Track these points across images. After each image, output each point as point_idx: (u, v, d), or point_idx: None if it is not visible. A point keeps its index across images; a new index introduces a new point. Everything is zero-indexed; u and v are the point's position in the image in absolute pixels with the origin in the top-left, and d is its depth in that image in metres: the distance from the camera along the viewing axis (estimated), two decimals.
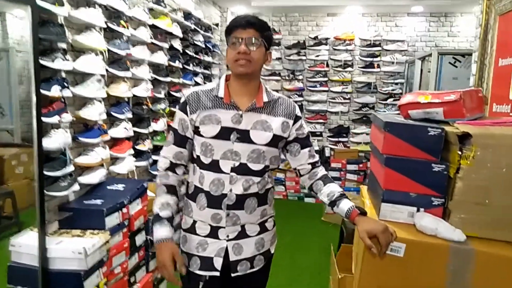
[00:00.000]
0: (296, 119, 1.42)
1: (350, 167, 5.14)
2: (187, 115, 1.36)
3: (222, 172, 1.33)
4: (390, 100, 5.31)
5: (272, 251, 1.50)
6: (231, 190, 1.33)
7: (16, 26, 3.21)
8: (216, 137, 1.32)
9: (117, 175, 2.72)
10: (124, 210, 2.28)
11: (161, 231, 1.33)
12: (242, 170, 1.33)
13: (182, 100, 1.39)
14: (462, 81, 4.00)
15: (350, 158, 5.19)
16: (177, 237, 1.43)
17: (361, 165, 5.12)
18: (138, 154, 2.96)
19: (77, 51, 2.28)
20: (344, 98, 5.48)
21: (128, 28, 2.68)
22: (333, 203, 1.37)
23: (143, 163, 3.00)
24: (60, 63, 2.01)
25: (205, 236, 1.37)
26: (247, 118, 1.34)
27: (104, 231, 2.10)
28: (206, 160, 1.35)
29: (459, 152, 1.33)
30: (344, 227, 3.05)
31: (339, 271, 2.13)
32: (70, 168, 2.11)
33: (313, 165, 1.46)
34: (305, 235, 4.02)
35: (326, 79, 5.48)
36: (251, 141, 1.33)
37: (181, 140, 1.39)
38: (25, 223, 2.99)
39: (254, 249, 1.41)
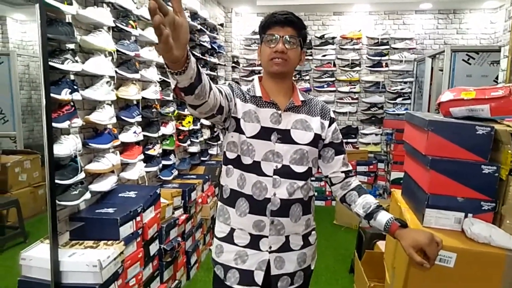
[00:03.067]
0: (332, 121, 1.34)
1: (360, 168, 5.03)
2: (233, 95, 1.23)
3: (264, 174, 1.23)
4: (399, 100, 5.21)
5: (312, 267, 1.39)
6: (274, 195, 1.23)
7: (16, 30, 3.12)
8: (256, 136, 1.22)
9: (127, 181, 2.61)
10: (138, 218, 2.17)
11: None
12: (285, 172, 1.23)
13: (226, 83, 1.29)
14: (477, 78, 3.91)
15: (360, 159, 5.08)
16: None
17: (371, 166, 5.01)
18: (148, 159, 2.85)
19: (85, 52, 2.17)
20: (352, 98, 5.37)
21: (136, 28, 2.57)
22: (369, 216, 1.24)
23: (153, 168, 2.88)
24: (69, 65, 1.89)
25: (244, 247, 1.26)
26: (286, 118, 1.26)
27: (118, 241, 1.98)
28: (247, 161, 1.24)
29: None
30: (362, 231, 2.94)
31: (367, 279, 2.02)
32: (81, 176, 1.99)
33: (347, 174, 1.36)
34: (317, 238, 3.89)
35: (333, 79, 5.38)
36: (293, 141, 1.24)
37: (224, 89, 1.18)
38: (31, 233, 2.90)
39: (296, 264, 1.30)
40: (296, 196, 1.25)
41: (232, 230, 1.27)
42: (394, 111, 5.21)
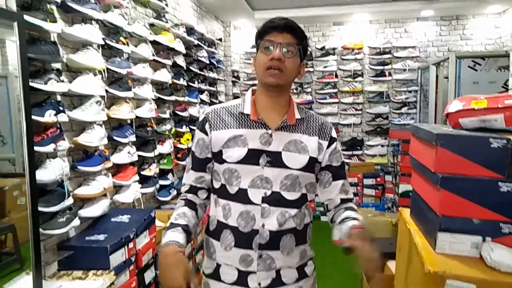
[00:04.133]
0: (331, 141, 1.20)
1: (367, 181, 4.88)
2: (207, 134, 1.16)
3: (251, 203, 1.10)
4: (404, 109, 5.08)
5: None
6: (263, 226, 1.09)
7: (14, 52, 3.07)
8: (243, 161, 1.10)
9: (122, 204, 2.50)
10: (130, 245, 2.04)
11: (172, 235, 1.05)
12: (275, 200, 1.10)
13: (200, 118, 1.20)
14: (484, 85, 3.78)
15: (366, 172, 4.93)
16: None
17: (378, 179, 4.85)
18: (144, 180, 2.74)
19: (73, 71, 2.09)
20: (356, 109, 5.25)
21: (128, 45, 2.49)
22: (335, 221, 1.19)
23: (149, 190, 2.77)
24: (54, 85, 1.81)
25: (231, 284, 1.13)
26: (277, 138, 1.12)
27: (108, 271, 1.86)
28: (232, 190, 1.12)
29: None
30: None
31: None
32: (69, 201, 1.89)
33: (345, 202, 1.23)
34: (324, 257, 3.72)
35: (335, 90, 5.27)
36: (283, 165, 1.11)
37: (199, 164, 1.19)
38: (28, 259, 2.79)
39: None
40: (287, 226, 1.12)
41: (218, 266, 1.15)
42: (399, 121, 5.08)
